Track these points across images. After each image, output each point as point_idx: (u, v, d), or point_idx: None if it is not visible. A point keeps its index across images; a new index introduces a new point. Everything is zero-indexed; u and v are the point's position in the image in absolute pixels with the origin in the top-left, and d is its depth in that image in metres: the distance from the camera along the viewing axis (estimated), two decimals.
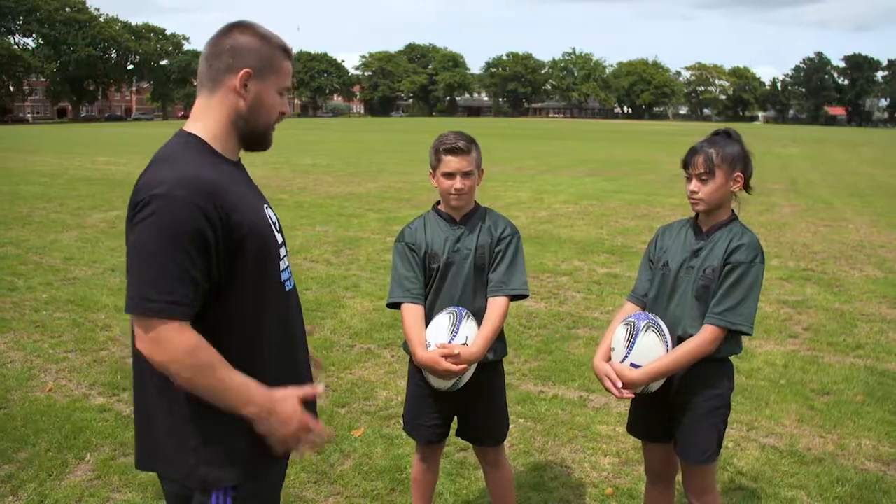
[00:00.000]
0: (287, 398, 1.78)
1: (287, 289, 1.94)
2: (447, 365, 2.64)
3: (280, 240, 1.94)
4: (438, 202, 2.92)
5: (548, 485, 3.70)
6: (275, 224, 1.93)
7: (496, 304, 2.77)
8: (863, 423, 4.44)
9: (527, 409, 4.58)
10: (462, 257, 2.80)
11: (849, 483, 3.72)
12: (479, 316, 2.79)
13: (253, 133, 1.89)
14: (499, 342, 2.89)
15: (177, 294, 1.65)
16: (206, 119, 1.84)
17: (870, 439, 4.22)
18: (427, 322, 2.79)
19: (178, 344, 1.65)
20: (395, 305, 2.86)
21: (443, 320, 2.73)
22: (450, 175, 2.76)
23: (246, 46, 1.82)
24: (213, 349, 1.70)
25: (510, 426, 4.27)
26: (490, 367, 2.87)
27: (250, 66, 1.81)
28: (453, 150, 2.74)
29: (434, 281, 2.82)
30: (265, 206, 1.92)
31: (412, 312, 2.79)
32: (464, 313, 2.74)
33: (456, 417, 3.00)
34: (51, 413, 4.43)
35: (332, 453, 3.97)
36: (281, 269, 1.91)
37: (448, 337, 2.68)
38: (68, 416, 4.39)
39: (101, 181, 17.20)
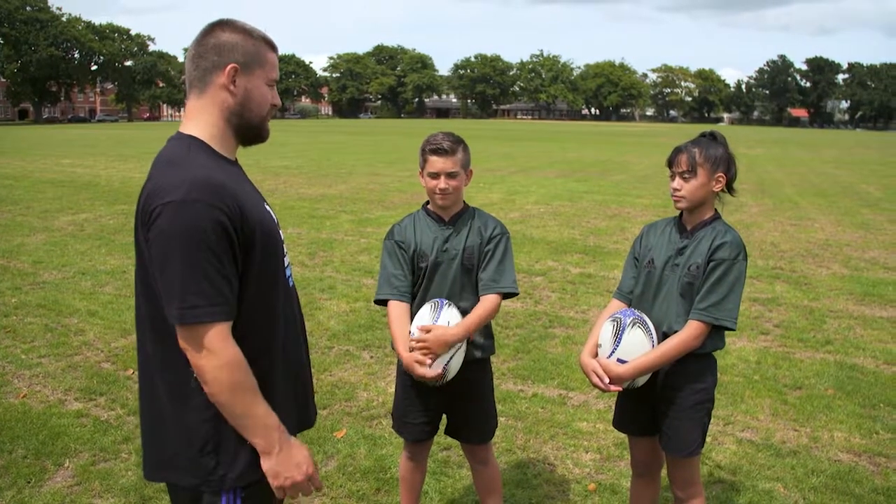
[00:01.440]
0: (302, 447, 1.83)
1: (290, 285, 1.98)
2: (421, 371, 2.67)
3: (282, 237, 1.97)
4: (428, 202, 2.94)
5: (531, 482, 3.74)
6: (276, 222, 1.96)
7: (485, 301, 2.79)
8: (834, 416, 4.55)
9: (507, 407, 4.62)
10: (450, 257, 2.82)
11: (823, 474, 3.81)
12: (465, 314, 2.81)
13: (248, 128, 1.90)
14: (487, 340, 2.92)
15: (218, 296, 1.67)
16: (201, 120, 1.85)
17: (842, 431, 4.34)
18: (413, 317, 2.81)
19: (226, 354, 1.69)
20: (383, 302, 2.87)
21: (425, 310, 2.77)
22: (434, 175, 2.79)
23: (229, 42, 1.82)
24: (251, 371, 1.74)
25: None
26: (477, 365, 2.89)
27: (236, 62, 1.82)
28: (437, 151, 2.77)
29: (422, 280, 2.84)
30: (264, 203, 1.95)
31: (398, 310, 2.81)
32: (445, 302, 2.76)
33: (444, 415, 3.02)
34: (26, 419, 4.36)
35: (316, 454, 3.96)
36: (285, 265, 1.95)
37: (430, 324, 2.70)
38: (45, 422, 4.32)
39: (67, 184, 16.89)
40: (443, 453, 3.99)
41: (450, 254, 2.82)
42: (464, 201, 2.93)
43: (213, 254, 1.67)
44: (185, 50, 1.93)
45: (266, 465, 1.79)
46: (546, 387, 4.99)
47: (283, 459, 1.79)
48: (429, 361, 2.68)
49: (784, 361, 5.51)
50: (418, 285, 2.86)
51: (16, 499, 3.50)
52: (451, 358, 2.70)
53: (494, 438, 4.15)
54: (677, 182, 2.63)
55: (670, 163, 2.66)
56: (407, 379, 2.89)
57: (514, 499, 3.58)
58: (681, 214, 2.74)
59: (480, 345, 2.87)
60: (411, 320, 2.80)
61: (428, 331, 2.66)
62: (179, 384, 1.79)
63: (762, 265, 8.83)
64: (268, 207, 1.95)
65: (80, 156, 26.57)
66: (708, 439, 4.16)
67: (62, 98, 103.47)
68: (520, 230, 11.11)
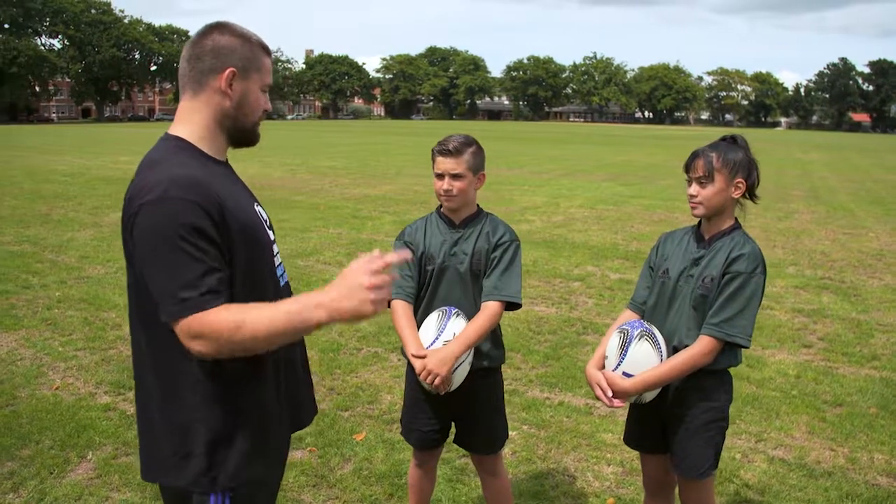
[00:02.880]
0: (354, 281, 1.62)
1: (282, 283, 1.96)
2: (425, 371, 2.62)
3: (271, 237, 1.95)
4: (442, 205, 2.89)
5: (549, 493, 3.65)
6: (265, 221, 1.95)
7: (486, 309, 2.71)
8: (876, 436, 4.34)
9: (531, 415, 4.53)
10: (458, 261, 2.77)
11: (859, 498, 3.63)
12: None
13: (240, 131, 1.89)
14: (495, 349, 2.85)
15: (205, 285, 1.65)
16: (191, 121, 1.85)
17: (882, 453, 4.13)
18: (421, 324, 2.77)
19: (221, 331, 1.61)
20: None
21: (432, 318, 2.72)
22: (439, 175, 2.76)
23: (228, 46, 1.82)
24: (238, 310, 1.64)
25: (513, 433, 4.25)
26: (485, 375, 2.82)
27: (234, 66, 1.82)
28: (443, 152, 2.73)
29: (429, 283, 2.80)
30: (255, 203, 1.94)
31: (403, 309, 2.77)
32: (453, 311, 2.71)
33: (453, 424, 2.96)
34: (56, 411, 4.45)
35: (333, 457, 3.94)
36: (276, 263, 1.93)
37: (435, 334, 2.66)
38: (73, 414, 4.41)
39: (120, 181, 17.37)
40: (461, 461, 3.92)
41: (458, 258, 2.77)
42: (478, 205, 2.87)
43: (196, 247, 1.65)
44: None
45: (339, 308, 1.62)
46: (573, 395, 4.88)
47: (337, 298, 1.62)
48: (443, 388, 2.65)
49: (825, 376, 5.29)
50: (425, 289, 2.81)
51: (38, 489, 3.56)
52: (457, 367, 2.64)
53: (515, 446, 4.09)
54: (694, 188, 2.51)
55: (687, 167, 2.54)
56: (415, 385, 2.84)
57: None
58: (699, 223, 2.62)
59: (487, 354, 2.79)
60: (418, 326, 2.75)
61: (423, 356, 2.61)
62: (170, 385, 1.79)
63: (810, 275, 8.53)
64: (258, 208, 1.94)
65: (136, 153, 27.27)
66: (738, 456, 4.02)
67: (123, 97, 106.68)
68: (561, 234, 10.97)
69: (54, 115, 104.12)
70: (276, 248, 1.97)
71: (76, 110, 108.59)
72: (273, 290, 1.90)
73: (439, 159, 2.74)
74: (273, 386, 1.90)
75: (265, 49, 1.89)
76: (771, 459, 4.03)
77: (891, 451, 4.15)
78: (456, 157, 2.71)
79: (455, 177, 2.72)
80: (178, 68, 1.88)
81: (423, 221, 2.91)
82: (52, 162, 22.90)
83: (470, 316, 2.73)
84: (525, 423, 4.42)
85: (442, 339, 2.64)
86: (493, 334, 2.81)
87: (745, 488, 3.72)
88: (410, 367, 2.87)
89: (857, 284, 8.14)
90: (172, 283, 1.64)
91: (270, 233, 1.95)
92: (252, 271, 1.81)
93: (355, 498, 3.57)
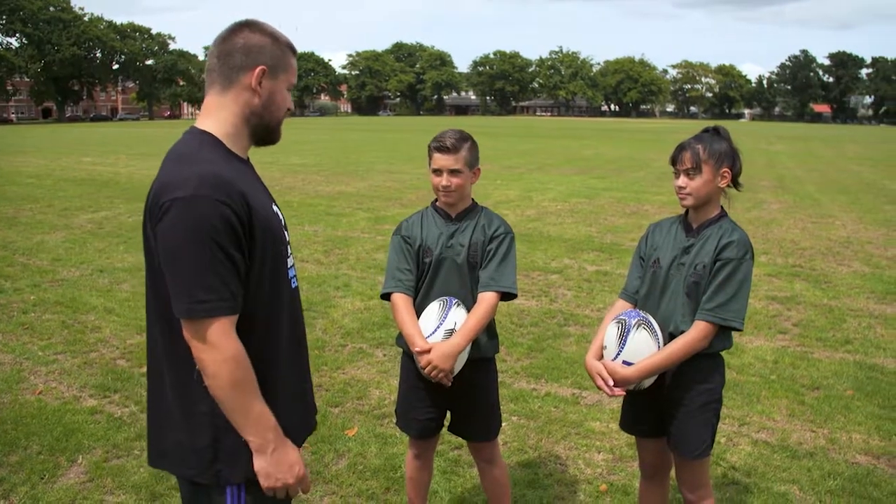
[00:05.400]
0: (294, 449, 1.84)
1: (294, 286, 1.98)
2: (430, 366, 2.68)
3: (287, 238, 1.98)
4: (437, 199, 2.93)
5: (542, 482, 3.71)
6: (282, 221, 1.98)
7: (483, 300, 2.78)
8: (853, 417, 4.48)
9: (520, 406, 4.59)
10: (455, 253, 2.82)
11: (840, 477, 3.75)
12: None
13: (266, 129, 1.92)
14: (490, 339, 2.91)
15: (225, 291, 1.69)
16: (219, 116, 1.86)
17: (860, 433, 4.26)
18: (420, 314, 2.81)
19: (229, 349, 1.70)
20: (387, 297, 2.88)
21: (433, 307, 2.77)
22: (437, 172, 2.80)
23: (258, 45, 1.85)
24: (252, 369, 1.74)
25: (503, 424, 4.30)
26: (480, 364, 2.88)
27: (265, 64, 1.85)
28: (441, 148, 2.78)
29: (427, 276, 2.85)
30: (273, 203, 1.96)
31: (403, 302, 2.82)
32: (454, 302, 2.76)
33: (449, 413, 3.01)
34: (41, 416, 4.39)
35: (327, 453, 3.96)
36: (288, 265, 1.95)
37: (437, 323, 2.71)
38: (59, 418, 4.36)
39: (87, 182, 17.07)
40: (454, 452, 3.97)
41: (455, 249, 2.82)
42: (472, 199, 2.92)
43: (221, 249, 1.68)
44: (207, 48, 1.94)
45: (258, 464, 1.79)
46: (559, 386, 4.96)
47: (276, 460, 1.79)
48: (447, 380, 2.72)
49: (802, 361, 5.43)
50: (422, 280, 2.86)
51: (29, 494, 3.53)
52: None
53: (506, 437, 4.15)
54: (682, 180, 2.59)
55: (674, 160, 2.63)
56: (411, 375, 2.89)
57: (524, 499, 3.55)
58: (686, 212, 2.70)
59: (483, 344, 2.86)
60: (418, 316, 2.80)
61: (428, 351, 2.67)
62: (187, 377, 1.80)
63: (781, 263, 8.72)
64: (276, 208, 1.96)
65: (100, 154, 26.86)
66: (722, 440, 4.12)
67: (84, 97, 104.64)
68: (536, 227, 11.06)
69: (13, 115, 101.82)
70: (289, 250, 1.99)
71: (36, 110, 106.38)
72: (287, 292, 1.92)
73: (437, 156, 2.79)
74: (287, 387, 1.92)
75: (292, 49, 1.93)
76: (755, 442, 4.14)
77: (868, 431, 4.28)
78: (454, 153, 2.76)
79: (453, 172, 2.77)
80: (206, 63, 1.89)
81: (419, 215, 2.96)
82: (15, 163, 22.41)
83: (467, 305, 2.78)
84: (514, 415, 4.48)
85: (443, 328, 2.69)
86: (489, 324, 2.86)
87: (733, 470, 3.82)
88: (406, 357, 2.92)
89: (827, 271, 8.34)
90: (192, 282, 1.67)
91: (286, 234, 1.97)
92: (270, 272, 1.84)
93: (352, 493, 3.59)
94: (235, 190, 1.73)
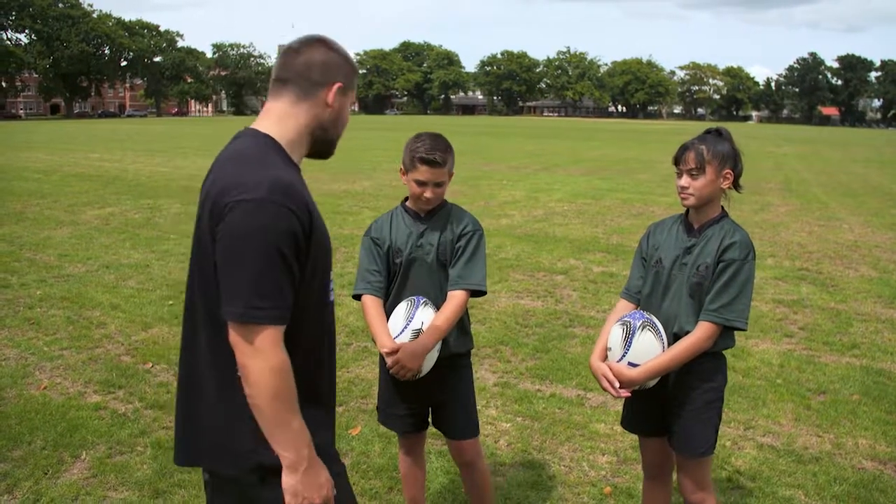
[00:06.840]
0: (324, 468, 1.79)
1: (331, 298, 1.96)
2: (398, 366, 2.68)
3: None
4: (407, 198, 2.93)
5: (546, 483, 3.69)
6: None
7: (452, 298, 2.77)
8: (859, 422, 4.45)
9: (524, 407, 4.58)
10: (424, 252, 2.82)
11: (846, 482, 3.72)
12: None
13: (327, 142, 1.95)
14: (462, 336, 2.90)
15: (280, 300, 1.68)
16: (286, 125, 1.86)
17: (866, 438, 4.23)
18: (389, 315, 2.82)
19: (275, 359, 1.67)
20: (359, 297, 2.88)
21: (401, 308, 2.76)
22: (422, 183, 2.78)
23: (336, 62, 1.90)
24: (294, 381, 1.72)
25: (507, 425, 4.30)
26: (453, 361, 2.87)
27: (341, 82, 1.89)
28: (429, 162, 2.74)
29: (398, 276, 2.84)
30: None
31: (372, 304, 2.81)
32: (421, 301, 2.76)
33: (431, 410, 3.02)
34: (46, 411, 4.40)
35: None
36: (330, 277, 1.95)
37: (404, 323, 2.71)
38: (63, 414, 4.36)
39: (94, 178, 17.13)
40: None
41: (424, 249, 2.82)
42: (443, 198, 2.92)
43: (282, 257, 1.67)
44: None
45: (288, 481, 1.74)
46: (564, 387, 4.94)
47: (307, 479, 1.74)
48: (414, 377, 2.71)
49: (808, 365, 5.40)
50: (394, 281, 2.86)
51: (33, 489, 3.53)
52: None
53: (510, 439, 4.14)
54: (685, 180, 2.60)
55: (677, 160, 2.64)
56: (389, 374, 2.89)
57: (527, 501, 3.54)
58: (687, 212, 2.71)
59: (454, 341, 2.85)
60: (388, 316, 2.79)
61: (396, 351, 2.66)
62: (233, 377, 1.76)
63: (788, 266, 8.68)
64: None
65: (108, 150, 26.95)
66: (727, 443, 4.10)
67: (92, 93, 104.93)
68: (542, 228, 11.04)
69: (22, 111, 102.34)
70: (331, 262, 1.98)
71: (44, 107, 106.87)
72: (329, 305, 1.92)
73: (423, 168, 2.75)
74: (326, 399, 1.93)
75: (357, 70, 1.98)
76: (760, 446, 4.11)
77: (874, 437, 4.26)
78: (440, 167, 2.76)
79: (438, 185, 2.78)
80: (275, 71, 1.90)
81: (388, 215, 2.95)
82: (23, 159, 22.50)
83: (438, 304, 2.78)
84: (518, 415, 4.47)
85: (410, 328, 2.69)
86: (460, 321, 2.85)
87: (738, 475, 3.80)
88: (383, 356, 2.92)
89: (834, 275, 8.30)
90: (251, 286, 1.66)
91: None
92: (319, 281, 1.84)
93: (356, 492, 3.56)
94: (303, 200, 1.72)
